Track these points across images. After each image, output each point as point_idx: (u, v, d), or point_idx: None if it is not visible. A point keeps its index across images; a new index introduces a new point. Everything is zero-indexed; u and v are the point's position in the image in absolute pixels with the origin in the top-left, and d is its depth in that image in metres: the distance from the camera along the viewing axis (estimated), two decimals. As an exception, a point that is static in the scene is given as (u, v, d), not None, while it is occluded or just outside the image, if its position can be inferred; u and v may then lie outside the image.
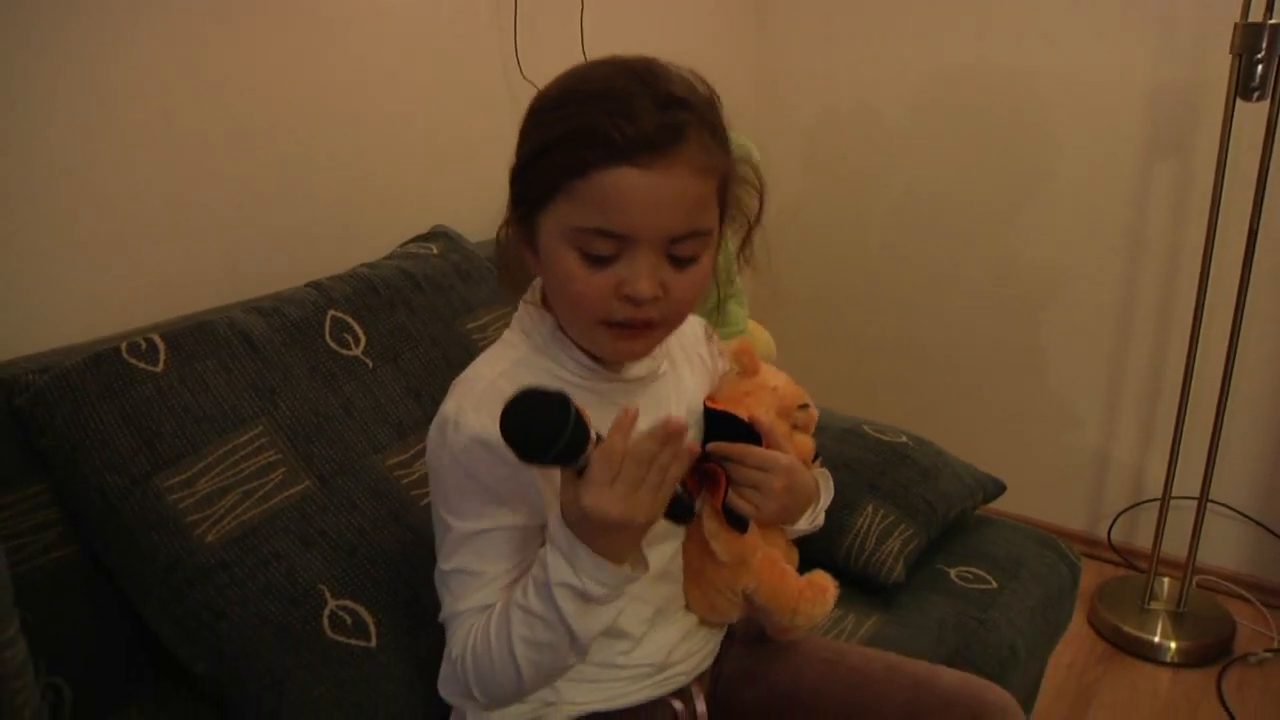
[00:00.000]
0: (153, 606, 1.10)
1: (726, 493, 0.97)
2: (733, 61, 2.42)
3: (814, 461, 1.10)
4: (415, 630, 1.14)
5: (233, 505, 1.13)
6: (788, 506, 0.99)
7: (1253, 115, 1.82)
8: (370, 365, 1.32)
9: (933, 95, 2.33)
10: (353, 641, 1.10)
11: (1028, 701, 1.63)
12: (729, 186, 0.92)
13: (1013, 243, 2.32)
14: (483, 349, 1.41)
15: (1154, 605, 2.14)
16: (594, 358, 0.95)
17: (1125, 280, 2.22)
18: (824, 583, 1.04)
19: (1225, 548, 2.24)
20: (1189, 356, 2.00)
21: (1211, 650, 2.05)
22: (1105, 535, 2.38)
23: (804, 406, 1.12)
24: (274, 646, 1.07)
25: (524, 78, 1.84)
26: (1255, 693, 1.96)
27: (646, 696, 1.04)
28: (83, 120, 1.29)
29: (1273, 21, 1.73)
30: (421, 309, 1.40)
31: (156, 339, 1.18)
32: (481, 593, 0.92)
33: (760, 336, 1.96)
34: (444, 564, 0.94)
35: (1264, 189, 1.84)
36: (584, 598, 0.85)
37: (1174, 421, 2.06)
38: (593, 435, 0.80)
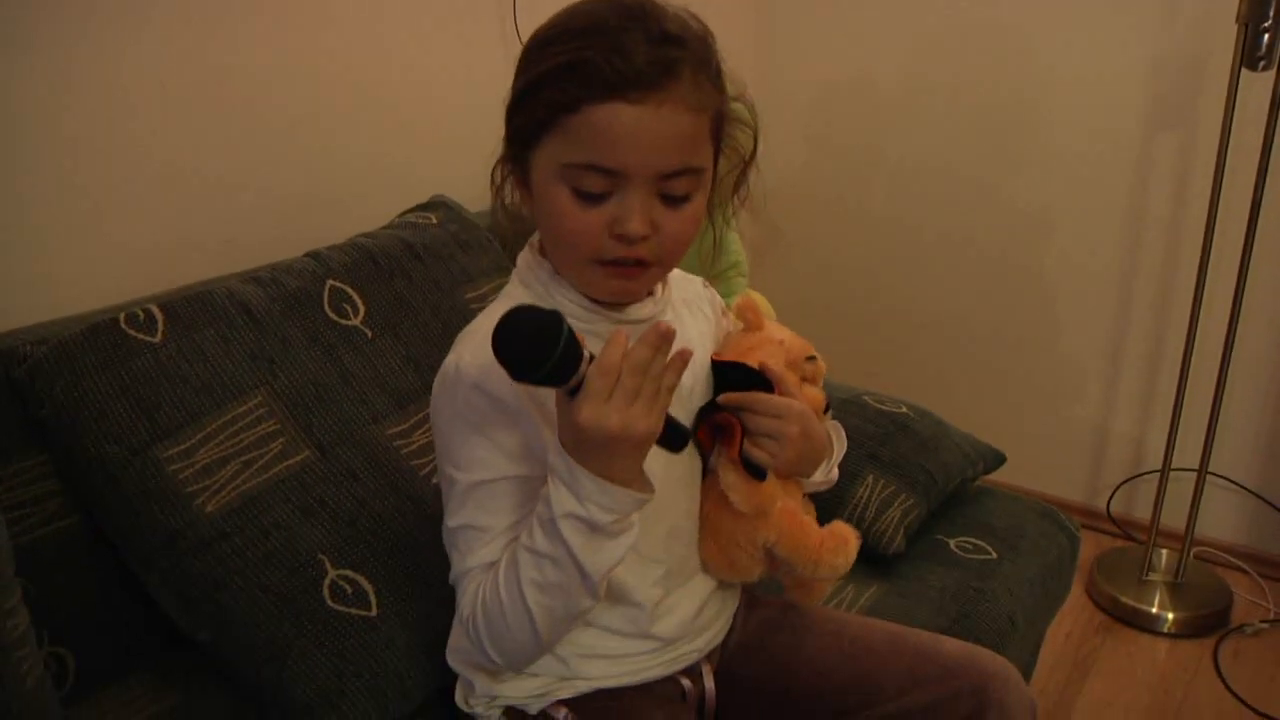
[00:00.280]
0: (154, 576, 1.11)
1: (742, 442, 0.96)
2: (731, 31, 2.40)
3: (825, 413, 1.09)
4: (415, 599, 1.14)
5: (232, 475, 1.13)
6: (804, 454, 0.98)
7: (1258, 85, 1.81)
8: (369, 335, 1.31)
9: (933, 65, 2.32)
10: (353, 611, 1.10)
11: (1026, 671, 1.64)
12: (723, 125, 0.91)
13: (1014, 213, 2.31)
14: (483, 318, 1.42)
15: (1152, 576, 2.15)
16: (595, 300, 0.94)
17: (1127, 252, 2.21)
18: (845, 532, 1.02)
19: (1223, 520, 2.24)
20: (1190, 329, 2.00)
21: (1208, 621, 2.06)
22: (1104, 507, 2.39)
23: (811, 358, 1.10)
24: (275, 616, 1.07)
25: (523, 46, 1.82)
26: (1250, 663, 1.97)
27: (658, 674, 1.03)
28: (80, 92, 1.28)
29: (1280, -11, 1.71)
30: (421, 279, 1.40)
31: (155, 309, 1.17)
32: (488, 548, 0.91)
33: (761, 306, 1.96)
34: (450, 520, 0.93)
35: (1268, 160, 1.82)
36: (591, 527, 0.83)
37: (1174, 394, 2.06)
38: (585, 354, 0.79)
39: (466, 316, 1.40)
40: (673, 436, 0.85)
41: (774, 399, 0.96)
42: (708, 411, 1.00)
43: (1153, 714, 1.85)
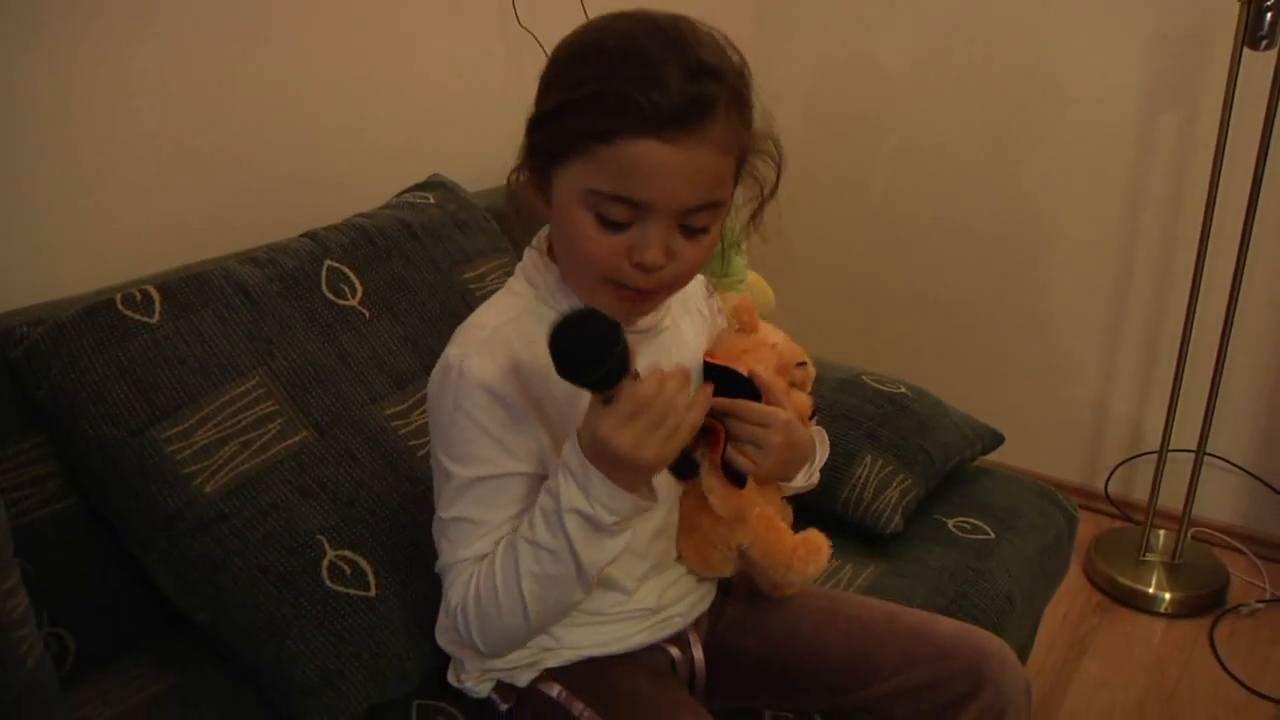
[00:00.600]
0: (153, 557, 1.11)
1: (725, 448, 0.97)
2: (731, 10, 2.39)
3: (810, 420, 1.10)
4: (414, 580, 1.14)
5: (230, 456, 1.13)
6: (785, 463, 1.00)
7: (1260, 65, 1.80)
8: (367, 315, 1.31)
9: (933, 44, 2.30)
10: (352, 591, 1.10)
11: (1023, 651, 1.64)
12: (747, 158, 0.91)
13: (1013, 194, 2.30)
14: (480, 299, 1.42)
15: (1149, 557, 2.15)
16: None
17: (1126, 232, 2.20)
18: (818, 541, 1.04)
19: (1221, 500, 2.25)
20: (1189, 310, 1.99)
21: (1205, 601, 2.07)
22: (1102, 487, 2.39)
23: (802, 364, 1.12)
24: (274, 596, 1.07)
25: (521, 26, 1.81)
26: (1246, 643, 1.98)
27: (643, 641, 1.05)
28: (76, 74, 1.28)
29: (1282, -33, 1.70)
30: (419, 259, 1.39)
31: (152, 290, 1.17)
32: (481, 541, 0.92)
33: (760, 288, 1.96)
34: (444, 512, 0.94)
35: (1269, 140, 1.82)
36: (594, 525, 0.85)
37: (1173, 375, 2.06)
38: (631, 369, 0.81)
39: (464, 297, 1.41)
40: (684, 467, 0.88)
41: (760, 408, 0.97)
42: None
43: (1149, 693, 1.86)
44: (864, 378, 1.62)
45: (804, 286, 2.53)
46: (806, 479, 1.09)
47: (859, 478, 1.46)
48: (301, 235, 1.37)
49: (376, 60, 1.65)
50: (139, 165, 1.37)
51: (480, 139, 1.78)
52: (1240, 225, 1.88)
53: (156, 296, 1.16)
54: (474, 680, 1.06)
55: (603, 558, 0.88)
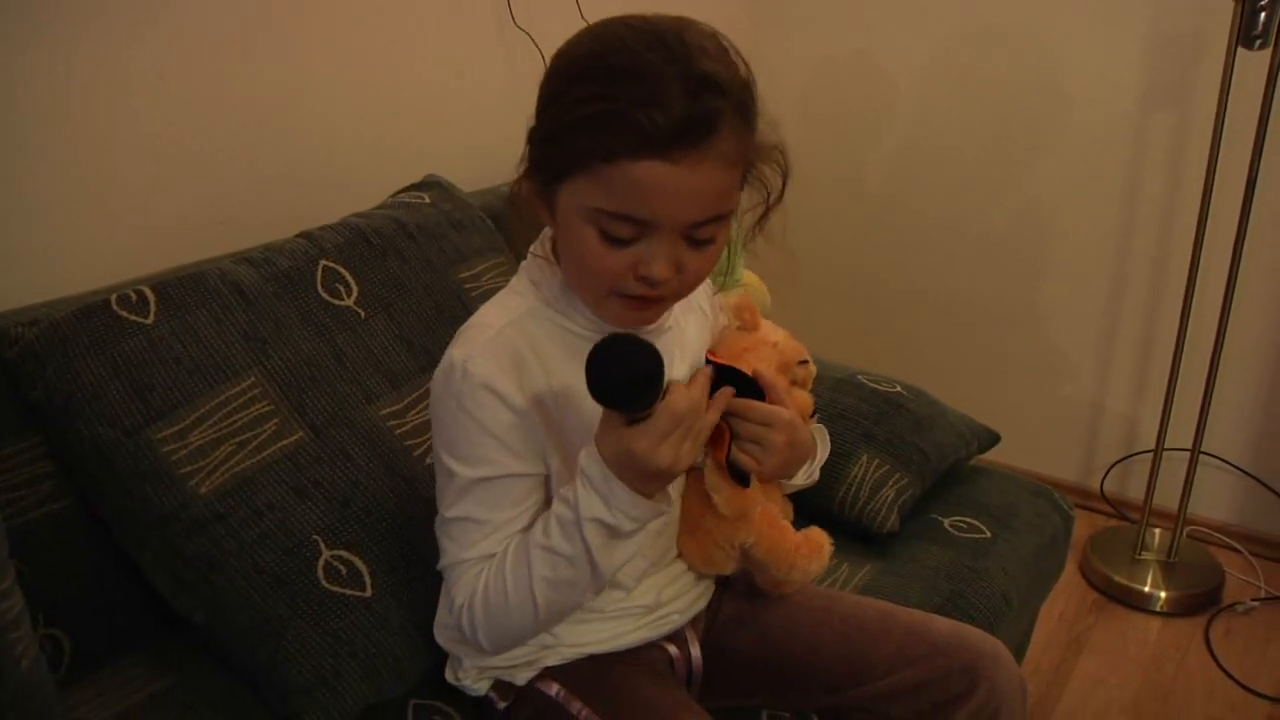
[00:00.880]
0: (149, 558, 1.11)
1: (730, 447, 0.97)
2: (726, 8, 2.39)
3: (811, 417, 1.11)
4: (410, 580, 1.14)
5: (226, 457, 1.12)
6: (788, 461, 1.00)
7: (1254, 64, 1.80)
8: (363, 315, 1.31)
9: (930, 44, 2.31)
10: (348, 591, 1.10)
11: (1019, 649, 1.65)
12: (753, 166, 0.90)
13: (1008, 193, 2.30)
14: (476, 298, 1.42)
15: (1145, 555, 2.16)
16: None
17: (1122, 231, 2.21)
18: (820, 539, 1.05)
19: (1216, 499, 2.25)
20: (1184, 309, 2.00)
21: (1201, 600, 2.07)
22: (1098, 486, 2.40)
23: (803, 363, 1.13)
24: (270, 597, 1.07)
25: (517, 26, 1.81)
26: (1241, 641, 1.98)
27: (641, 638, 1.05)
28: (70, 73, 1.27)
29: (1276, -33, 1.70)
30: (414, 258, 1.39)
31: (147, 290, 1.17)
32: (486, 541, 0.93)
33: (756, 288, 1.96)
34: (447, 511, 0.94)
35: (1263, 139, 1.82)
36: (613, 532, 0.87)
37: (1168, 374, 2.06)
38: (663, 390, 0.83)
39: (460, 296, 1.41)
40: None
41: (764, 407, 0.96)
42: None
43: (1145, 692, 1.86)
44: (860, 377, 1.62)
45: (800, 286, 2.53)
46: (807, 476, 1.09)
47: (855, 477, 1.46)
48: (297, 235, 1.36)
49: (372, 60, 1.65)
50: (137, 164, 1.36)
51: (476, 139, 1.79)
52: (1235, 224, 1.88)
53: (151, 297, 1.16)
54: (472, 678, 1.06)
55: (619, 559, 0.90)
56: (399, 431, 1.25)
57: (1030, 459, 2.33)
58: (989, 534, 1.48)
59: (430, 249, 1.42)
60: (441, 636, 1.07)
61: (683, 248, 0.86)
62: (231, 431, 1.14)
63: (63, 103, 1.27)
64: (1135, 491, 2.32)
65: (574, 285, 0.94)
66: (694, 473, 1.04)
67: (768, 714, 1.14)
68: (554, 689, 1.02)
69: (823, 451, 1.10)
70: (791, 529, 1.05)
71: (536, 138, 0.88)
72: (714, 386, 1.03)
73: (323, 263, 1.31)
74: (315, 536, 1.12)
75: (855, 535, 1.44)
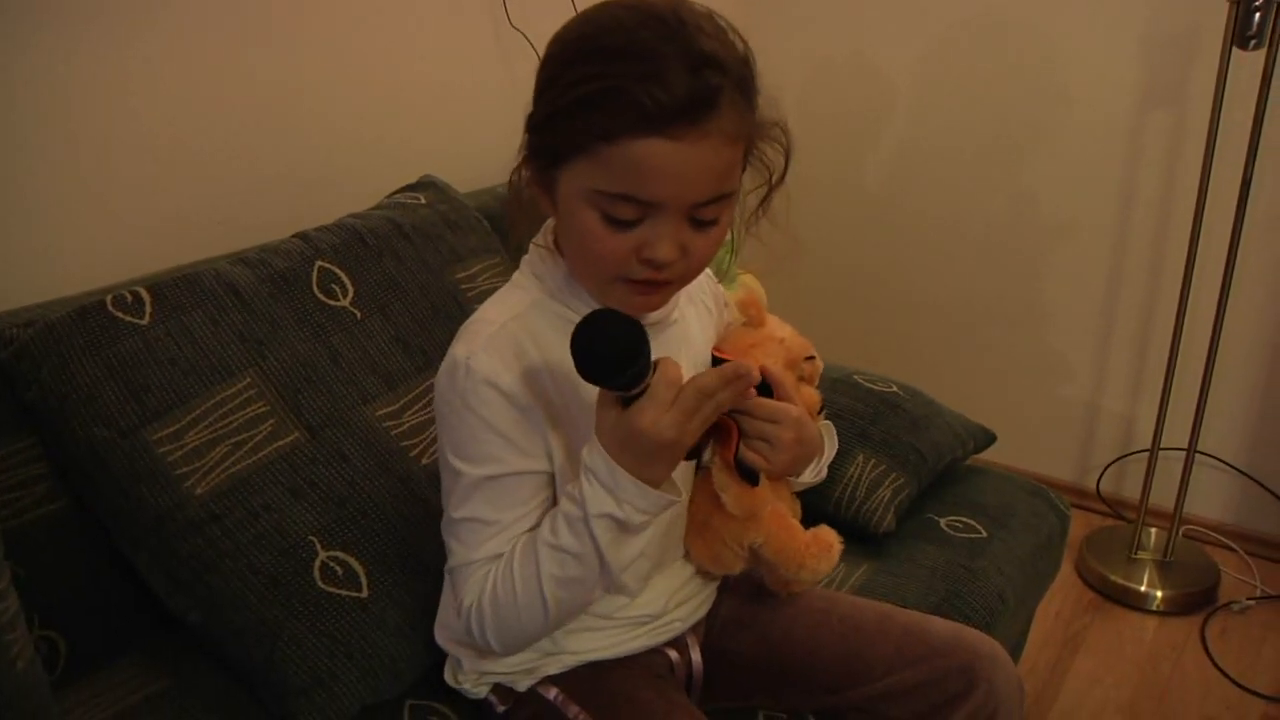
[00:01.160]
0: (144, 559, 1.11)
1: (738, 445, 0.96)
2: (721, 7, 2.39)
3: (819, 413, 1.10)
4: (407, 580, 1.14)
5: (222, 457, 1.12)
6: (797, 459, 0.99)
7: (1248, 64, 1.80)
8: (358, 316, 1.31)
9: (927, 44, 2.31)
10: (344, 592, 1.10)
11: (1016, 649, 1.65)
12: (755, 144, 0.89)
13: (1004, 193, 2.31)
14: (472, 298, 1.42)
15: (1141, 555, 2.16)
16: None
17: (1118, 230, 2.21)
18: (829, 538, 1.04)
19: (1212, 498, 2.26)
20: (1180, 308, 2.00)
21: (1196, 599, 2.08)
22: (1094, 486, 2.40)
23: (810, 358, 1.11)
24: (265, 598, 1.07)
25: (512, 26, 1.81)
26: (1237, 640, 1.99)
27: (643, 645, 1.05)
28: (70, 73, 1.27)
29: (1271, -32, 1.71)
30: (410, 259, 1.39)
31: (142, 291, 1.16)
32: (494, 541, 0.91)
33: (752, 287, 1.96)
34: (454, 512, 0.93)
35: (1258, 139, 1.82)
36: (622, 527, 0.85)
37: (1164, 373, 2.06)
38: (653, 366, 0.82)
39: (456, 297, 1.41)
40: (697, 446, 0.88)
41: (772, 404, 0.96)
42: None
43: (1141, 691, 1.86)
44: (856, 377, 1.62)
45: (797, 286, 2.52)
46: (816, 474, 1.08)
47: (851, 477, 1.46)
48: (293, 236, 1.36)
49: (369, 61, 1.65)
50: (135, 164, 1.36)
51: (472, 140, 1.79)
52: (1230, 224, 1.89)
53: (147, 297, 1.16)
54: (471, 682, 1.05)
55: (629, 554, 0.89)
56: (395, 432, 1.25)
57: (1026, 459, 2.34)
58: (985, 533, 1.48)
59: (426, 250, 1.42)
60: (442, 638, 1.06)
61: (687, 229, 0.85)
62: (227, 432, 1.14)
63: (62, 103, 1.27)
64: (1131, 491, 2.32)
65: (578, 273, 0.92)
66: (702, 472, 1.03)
67: (765, 715, 1.14)
68: (552, 693, 1.02)
69: (830, 448, 1.09)
70: (801, 528, 1.04)
71: (534, 123, 0.87)
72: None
73: (318, 263, 1.31)
74: (311, 537, 1.12)
75: (851, 535, 1.42)
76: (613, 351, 0.79)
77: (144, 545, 1.10)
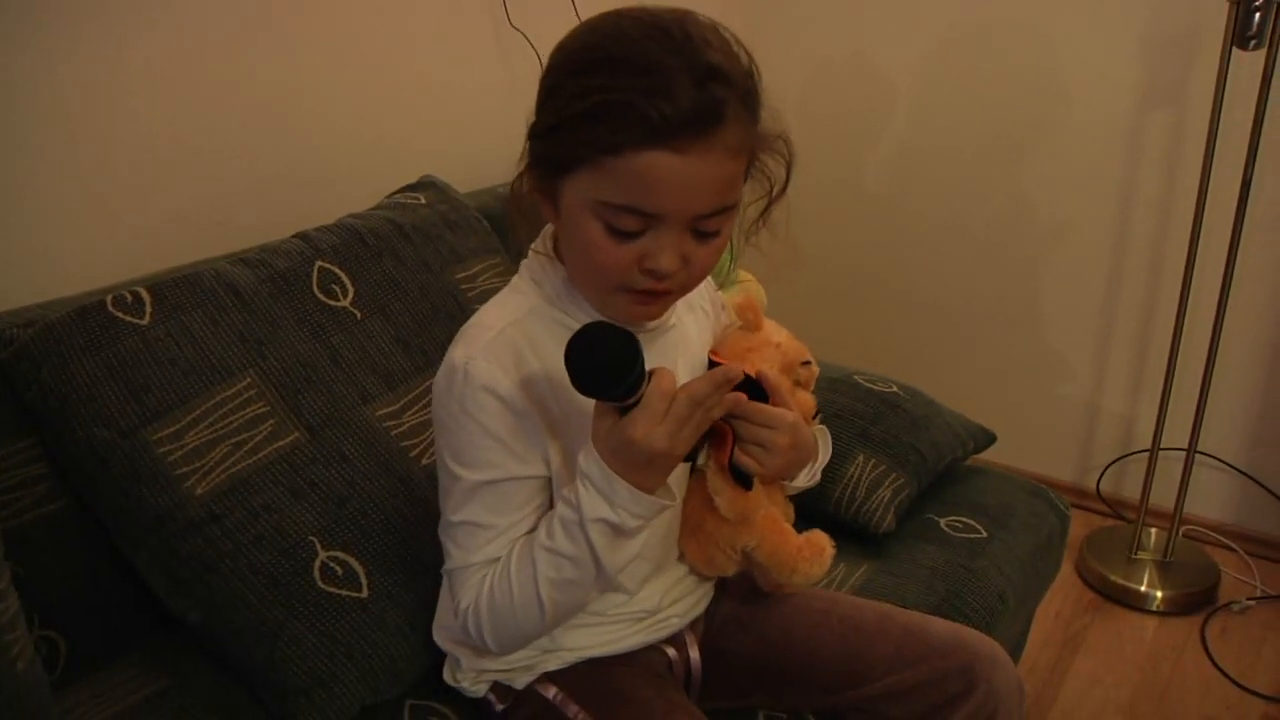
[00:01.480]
0: (144, 559, 1.11)
1: (733, 450, 0.96)
2: (720, 8, 2.39)
3: (814, 418, 1.10)
4: (407, 580, 1.14)
5: (222, 457, 1.12)
6: (791, 463, 0.99)
7: (1248, 64, 1.80)
8: (359, 316, 1.31)
9: (927, 45, 2.31)
10: (344, 592, 1.10)
11: (1016, 649, 1.65)
12: (757, 156, 0.90)
13: (1004, 193, 2.31)
14: (472, 299, 1.42)
15: (1141, 555, 2.16)
16: None
17: (1118, 231, 2.21)
18: (822, 542, 1.04)
19: (1212, 499, 2.26)
20: (1180, 308, 2.00)
21: (1197, 599, 2.08)
22: (1094, 486, 2.40)
23: (806, 363, 1.12)
24: (265, 598, 1.07)
25: (512, 26, 1.81)
26: (1237, 639, 1.99)
27: (640, 642, 1.05)
28: (69, 73, 1.27)
29: (1271, -32, 1.71)
30: (410, 259, 1.39)
31: (142, 291, 1.17)
32: (492, 545, 0.92)
33: (752, 287, 1.96)
34: (451, 515, 0.93)
35: (1258, 140, 1.82)
36: (617, 531, 0.86)
37: (1164, 374, 2.06)
38: (647, 376, 0.83)
39: (456, 297, 1.41)
40: (692, 449, 0.89)
41: (767, 409, 0.96)
42: None
43: (1141, 691, 1.86)
44: (856, 377, 1.62)
45: (797, 286, 2.53)
46: (810, 478, 1.08)
47: (851, 477, 1.46)
48: (293, 236, 1.36)
49: (369, 61, 1.65)
50: (135, 164, 1.36)
51: (472, 139, 1.79)
52: (1231, 224, 1.89)
53: (147, 297, 1.16)
54: (470, 680, 1.06)
55: (624, 557, 0.89)
56: (395, 432, 1.25)
57: (1027, 459, 2.34)
58: (985, 534, 1.48)
59: (426, 250, 1.42)
60: (440, 637, 1.07)
61: (689, 240, 0.85)
62: (227, 432, 1.14)
63: (62, 103, 1.27)
64: (1131, 491, 2.32)
65: (578, 281, 0.93)
66: (696, 475, 1.04)
67: (765, 715, 1.14)
68: (551, 691, 1.02)
69: (825, 453, 1.10)
70: (794, 532, 1.05)
71: (537, 132, 0.87)
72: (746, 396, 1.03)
73: (318, 263, 1.31)
74: (311, 537, 1.12)
75: (852, 535, 1.44)
76: (607, 365, 0.80)
77: (144, 545, 1.10)
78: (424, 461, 1.24)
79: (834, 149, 2.48)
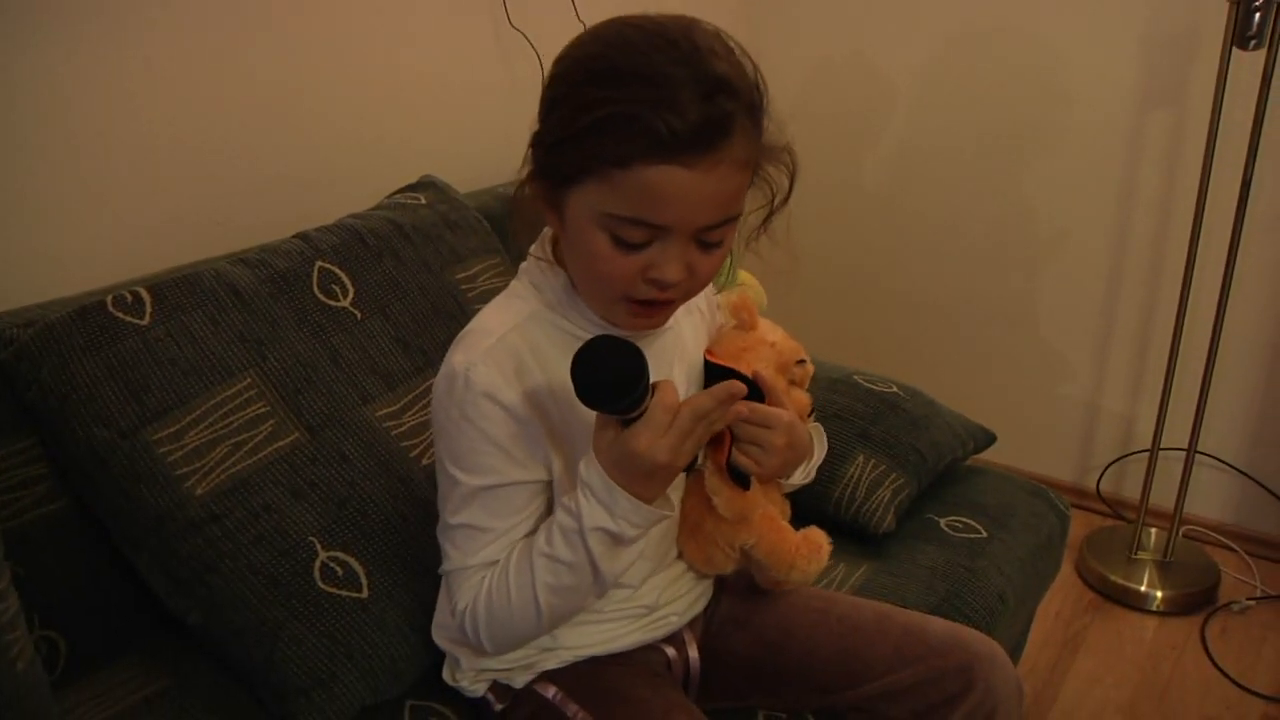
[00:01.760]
0: (144, 559, 1.11)
1: (730, 450, 0.97)
2: (723, 9, 2.39)
3: (809, 416, 1.11)
4: (406, 581, 1.14)
5: (222, 458, 1.12)
6: (787, 462, 1.00)
7: (1248, 64, 1.80)
8: (359, 316, 1.31)
9: (926, 45, 2.31)
10: (344, 593, 1.10)
11: (1015, 649, 1.65)
12: (762, 167, 0.90)
13: (1005, 194, 2.31)
14: (472, 299, 1.42)
15: (1141, 555, 2.16)
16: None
17: (1118, 231, 2.21)
18: (818, 539, 1.05)
19: (1212, 499, 2.26)
20: (1180, 308, 2.00)
21: (1197, 599, 2.08)
22: (1094, 486, 2.40)
23: (801, 362, 1.12)
24: (265, 598, 1.07)
25: (512, 26, 1.81)
26: (1237, 639, 1.99)
27: (639, 640, 1.05)
28: (69, 73, 1.27)
29: (1271, -32, 1.71)
30: (410, 259, 1.39)
31: (142, 291, 1.17)
32: (489, 548, 0.93)
33: (753, 287, 1.96)
34: (450, 518, 0.94)
35: (1258, 140, 1.82)
36: (616, 539, 0.87)
37: (1164, 374, 2.06)
38: (652, 389, 0.84)
39: (456, 297, 1.41)
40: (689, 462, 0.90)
41: (764, 409, 0.96)
42: None
43: (1141, 690, 1.86)
44: (855, 377, 1.62)
45: (797, 286, 2.53)
46: (805, 476, 1.09)
47: (851, 477, 1.46)
48: (293, 236, 1.36)
49: (369, 61, 1.65)
50: (135, 164, 1.36)
51: (472, 140, 1.79)
52: (1231, 224, 1.89)
53: (147, 298, 1.16)
54: (469, 680, 1.06)
55: (622, 564, 0.91)
56: (395, 432, 1.25)
57: (1026, 459, 2.34)
58: (985, 534, 1.48)
59: (426, 250, 1.42)
60: (439, 637, 1.07)
61: (693, 250, 0.86)
62: (228, 433, 1.14)
63: (62, 103, 1.27)
64: (1131, 491, 2.32)
65: (582, 290, 0.93)
66: (694, 475, 1.04)
67: (764, 715, 1.14)
68: (550, 691, 1.02)
69: (820, 451, 1.10)
70: (791, 530, 1.05)
71: (542, 142, 0.86)
72: (711, 386, 1.03)
73: (319, 264, 1.31)
74: (311, 538, 1.12)
75: (851, 535, 1.44)
76: (613, 380, 0.80)
77: (144, 545, 1.10)
78: (424, 462, 1.24)
79: (834, 149, 2.48)
